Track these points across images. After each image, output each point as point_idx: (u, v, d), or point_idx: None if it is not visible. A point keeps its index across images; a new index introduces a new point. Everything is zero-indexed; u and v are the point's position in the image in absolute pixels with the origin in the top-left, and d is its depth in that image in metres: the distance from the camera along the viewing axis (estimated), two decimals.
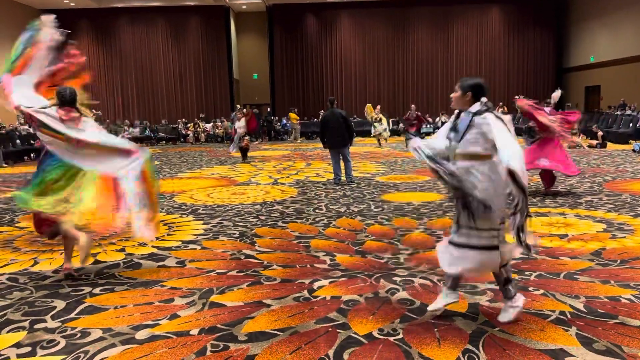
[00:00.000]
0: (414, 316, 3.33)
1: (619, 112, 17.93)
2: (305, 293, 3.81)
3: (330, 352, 2.88)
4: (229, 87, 26.58)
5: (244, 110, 14.84)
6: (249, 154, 14.46)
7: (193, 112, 25.47)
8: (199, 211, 7.09)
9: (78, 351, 2.99)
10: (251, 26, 28.88)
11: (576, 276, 4.01)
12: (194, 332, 3.20)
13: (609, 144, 15.07)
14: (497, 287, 3.77)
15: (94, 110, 21.34)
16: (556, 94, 8.26)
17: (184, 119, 24.77)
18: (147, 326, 3.30)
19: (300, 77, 26.99)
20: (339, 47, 26.77)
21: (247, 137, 14.10)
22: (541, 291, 3.71)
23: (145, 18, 25.82)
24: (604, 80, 22.15)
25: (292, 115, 22.49)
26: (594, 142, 15.16)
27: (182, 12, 25.85)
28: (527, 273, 4.11)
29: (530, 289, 3.76)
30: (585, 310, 3.35)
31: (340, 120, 9.26)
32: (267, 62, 26.96)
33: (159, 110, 26.43)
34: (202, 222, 6.38)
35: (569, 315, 3.27)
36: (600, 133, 15.09)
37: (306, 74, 26.97)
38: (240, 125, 14.00)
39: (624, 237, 5.09)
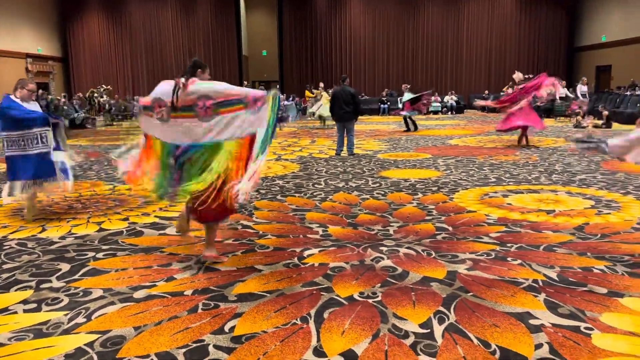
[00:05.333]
0: (395, 282, 3.54)
1: (628, 93, 17.78)
2: (295, 260, 4.03)
3: (312, 312, 3.10)
4: (237, 64, 26.66)
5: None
6: None
7: None
8: None
9: (79, 307, 3.23)
10: (261, 1, 28.82)
11: (555, 248, 4.19)
12: (188, 292, 3.44)
13: (614, 124, 15.03)
14: (477, 257, 3.97)
15: (104, 85, 21.63)
16: (516, 75, 11.01)
17: None
18: (144, 287, 3.54)
19: (309, 53, 26.95)
20: (348, 23, 26.64)
21: None
22: (519, 261, 3.89)
23: None
24: (615, 60, 21.93)
25: (307, 92, 22.63)
26: (600, 122, 15.14)
27: None
28: (508, 245, 4.29)
29: (509, 259, 3.95)
30: (557, 279, 3.54)
31: (349, 97, 9.75)
32: (276, 39, 26.94)
33: None
34: None
35: (540, 283, 3.46)
36: (605, 113, 15.04)
37: (315, 51, 26.91)
38: None
39: (609, 214, 5.23)
